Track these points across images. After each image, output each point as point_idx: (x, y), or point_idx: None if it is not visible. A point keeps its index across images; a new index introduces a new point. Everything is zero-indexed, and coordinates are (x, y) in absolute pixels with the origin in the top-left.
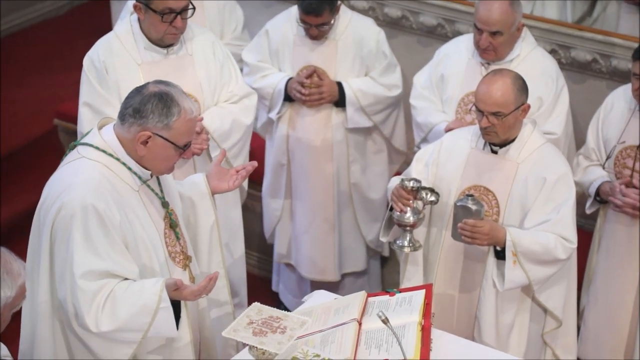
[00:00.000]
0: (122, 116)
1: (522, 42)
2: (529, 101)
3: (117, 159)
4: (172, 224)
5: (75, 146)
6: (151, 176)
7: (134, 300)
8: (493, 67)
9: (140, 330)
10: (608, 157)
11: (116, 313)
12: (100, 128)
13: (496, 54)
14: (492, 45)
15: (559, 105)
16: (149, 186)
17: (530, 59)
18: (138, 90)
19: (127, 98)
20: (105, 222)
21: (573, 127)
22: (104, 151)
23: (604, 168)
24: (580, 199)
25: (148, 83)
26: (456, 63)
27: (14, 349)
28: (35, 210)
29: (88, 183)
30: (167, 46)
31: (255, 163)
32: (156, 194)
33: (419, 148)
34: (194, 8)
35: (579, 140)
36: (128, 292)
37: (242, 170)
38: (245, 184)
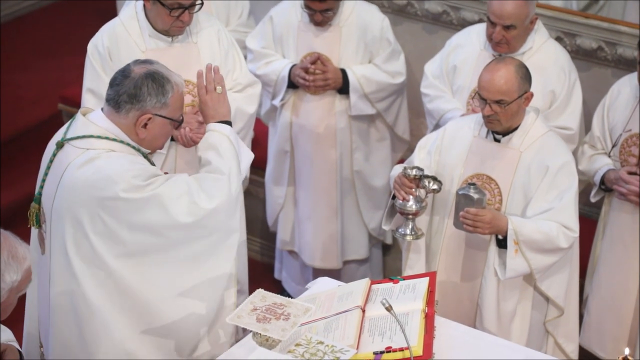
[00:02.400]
0: (117, 104)
1: (535, 34)
2: (541, 94)
3: (121, 142)
4: None
5: (63, 143)
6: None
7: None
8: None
9: (238, 169)
10: (614, 145)
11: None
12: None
13: (509, 47)
14: (506, 38)
15: (573, 99)
16: (149, 161)
17: (543, 52)
18: (124, 75)
19: (115, 85)
20: (158, 173)
21: None
22: (106, 138)
23: (609, 156)
24: (585, 188)
25: (129, 65)
26: (468, 54)
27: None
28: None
29: (117, 160)
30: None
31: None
32: None
33: None
34: (201, 3)
35: (585, 128)
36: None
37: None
38: (247, 172)
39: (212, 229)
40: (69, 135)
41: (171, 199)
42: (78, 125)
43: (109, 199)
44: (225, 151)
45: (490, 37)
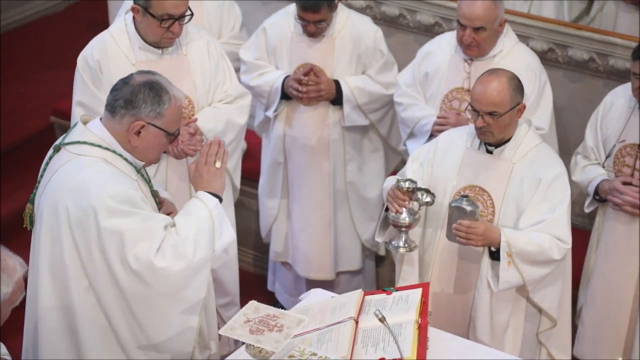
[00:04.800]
0: (113, 109)
1: (504, 37)
2: None
3: (114, 152)
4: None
5: (60, 147)
6: (143, 166)
7: (189, 224)
8: (476, 63)
9: (209, 243)
10: (608, 156)
11: (185, 239)
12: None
13: (479, 50)
14: (476, 41)
15: (543, 100)
16: (142, 175)
17: (513, 55)
18: (125, 81)
19: (114, 90)
20: (134, 200)
21: (570, 126)
22: (99, 146)
23: (603, 167)
24: (579, 198)
25: (132, 74)
26: (439, 60)
27: (11, 345)
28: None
29: (101, 174)
30: (162, 46)
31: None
32: (147, 183)
33: (405, 145)
34: (191, 14)
35: (577, 139)
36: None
37: None
38: (238, 183)
39: (155, 288)
40: (66, 140)
41: (130, 239)
42: (76, 131)
43: (80, 210)
44: (202, 222)
45: (460, 41)
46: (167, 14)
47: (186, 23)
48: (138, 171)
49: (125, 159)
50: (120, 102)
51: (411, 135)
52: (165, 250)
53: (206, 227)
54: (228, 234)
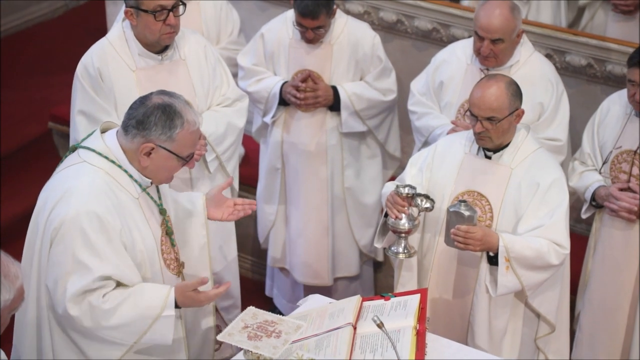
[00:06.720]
0: (126, 127)
1: (521, 47)
2: (529, 107)
3: (119, 166)
4: (168, 231)
5: (76, 148)
6: (151, 184)
7: (136, 301)
8: (492, 72)
9: (136, 334)
10: (604, 162)
11: (114, 312)
12: (102, 132)
13: (497, 61)
14: (494, 52)
15: (560, 111)
16: (148, 194)
17: (529, 65)
18: (142, 101)
19: (130, 109)
20: (107, 227)
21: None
22: (106, 157)
23: (600, 173)
24: (576, 204)
25: (152, 93)
26: (454, 69)
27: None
28: (30, 213)
29: (89, 188)
30: (161, 51)
31: (254, 206)
32: (154, 201)
33: None
34: (184, 4)
35: (574, 144)
36: (130, 293)
37: (241, 205)
38: (236, 186)
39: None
40: (82, 144)
41: (69, 264)
42: (92, 136)
43: (56, 214)
44: (143, 317)
45: (478, 52)
46: (159, 6)
47: (181, 15)
48: (144, 189)
49: (130, 176)
50: (133, 122)
51: (425, 144)
52: (83, 303)
53: (139, 327)
54: (163, 339)
